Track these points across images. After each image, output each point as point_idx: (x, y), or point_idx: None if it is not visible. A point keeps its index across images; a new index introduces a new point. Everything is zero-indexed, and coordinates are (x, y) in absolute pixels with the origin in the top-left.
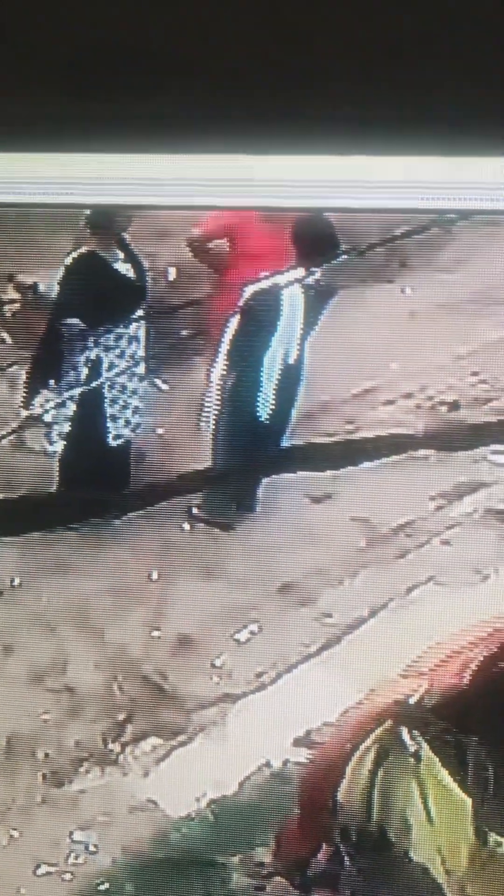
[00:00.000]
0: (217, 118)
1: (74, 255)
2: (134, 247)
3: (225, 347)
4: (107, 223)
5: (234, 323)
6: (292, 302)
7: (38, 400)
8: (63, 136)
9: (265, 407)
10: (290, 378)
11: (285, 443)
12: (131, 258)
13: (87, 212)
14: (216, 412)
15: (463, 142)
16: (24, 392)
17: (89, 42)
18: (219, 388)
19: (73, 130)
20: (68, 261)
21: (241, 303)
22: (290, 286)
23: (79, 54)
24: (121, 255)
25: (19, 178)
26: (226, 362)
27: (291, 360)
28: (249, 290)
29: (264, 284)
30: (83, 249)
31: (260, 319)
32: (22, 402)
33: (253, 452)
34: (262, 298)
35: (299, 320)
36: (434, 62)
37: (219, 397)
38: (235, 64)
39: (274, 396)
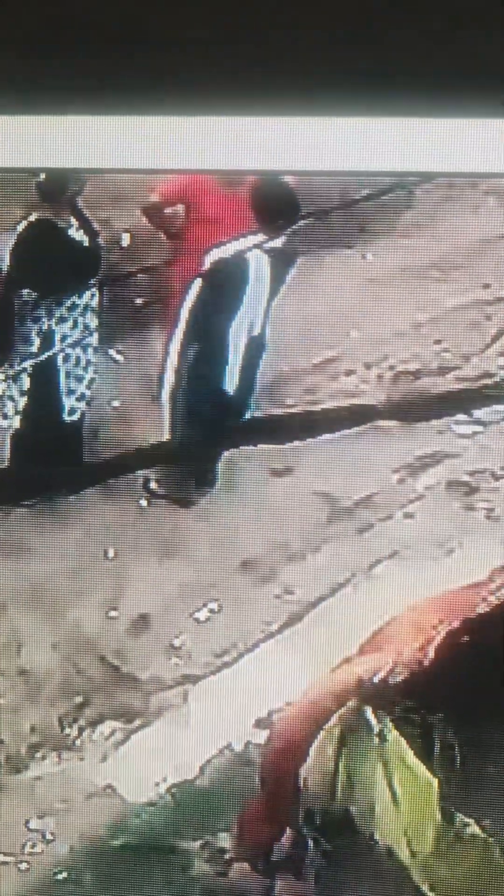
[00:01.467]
0: (173, 80)
1: (26, 222)
2: (87, 213)
3: (184, 316)
4: (59, 189)
5: (194, 290)
6: (258, 269)
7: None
8: (11, 99)
9: (231, 379)
10: (255, 348)
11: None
12: (84, 225)
13: (41, 177)
14: (174, 384)
15: (423, 104)
16: None
17: (41, 3)
18: (177, 358)
19: (22, 93)
20: (20, 228)
21: (202, 270)
22: (255, 252)
23: (30, 16)
24: (74, 221)
25: None
26: (185, 332)
27: (256, 331)
28: (212, 257)
29: (228, 251)
30: (35, 216)
31: (224, 287)
32: None
33: (213, 425)
34: (226, 265)
35: (266, 288)
36: (395, 25)
37: (177, 368)
38: (193, 25)
39: (239, 368)
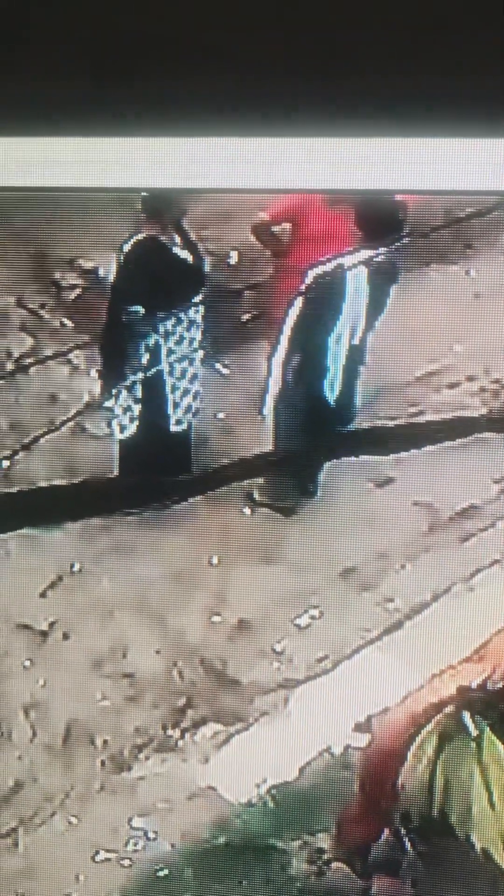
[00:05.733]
0: (279, 103)
1: (132, 240)
2: (190, 231)
3: (288, 331)
4: (163, 207)
5: (297, 306)
6: (356, 284)
7: (114, 391)
8: (122, 122)
9: (331, 389)
10: (355, 359)
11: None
12: (187, 243)
13: (145, 195)
14: (278, 396)
15: None
16: (102, 386)
17: (143, 29)
18: (280, 372)
19: (133, 116)
20: (126, 247)
21: (304, 286)
22: (355, 268)
23: (141, 42)
24: (178, 239)
25: (79, 162)
26: (288, 346)
27: (356, 342)
28: (313, 273)
29: (328, 267)
30: (141, 235)
31: (323, 302)
32: (100, 395)
33: (314, 436)
34: (326, 281)
35: (364, 302)
36: (493, 44)
37: (281, 381)
38: (297, 50)
39: (340, 378)
